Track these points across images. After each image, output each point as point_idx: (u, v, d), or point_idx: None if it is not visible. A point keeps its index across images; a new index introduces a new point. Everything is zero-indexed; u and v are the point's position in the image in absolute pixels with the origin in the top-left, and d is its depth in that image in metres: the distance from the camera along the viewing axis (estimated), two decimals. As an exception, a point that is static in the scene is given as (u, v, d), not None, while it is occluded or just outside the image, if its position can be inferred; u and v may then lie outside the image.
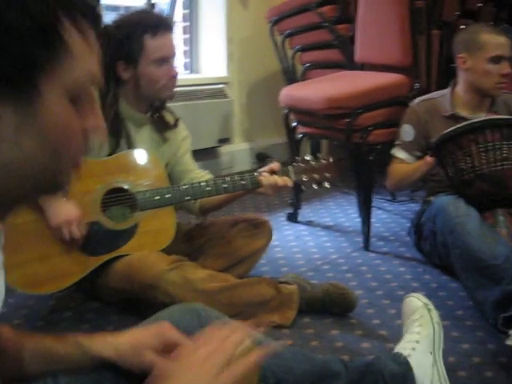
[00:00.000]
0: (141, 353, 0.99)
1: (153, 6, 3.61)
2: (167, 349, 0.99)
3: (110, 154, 2.11)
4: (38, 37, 0.65)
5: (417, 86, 2.96)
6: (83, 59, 0.70)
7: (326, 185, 2.14)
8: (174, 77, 2.13)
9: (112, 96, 2.09)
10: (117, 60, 2.06)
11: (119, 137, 2.13)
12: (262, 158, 4.33)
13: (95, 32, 0.73)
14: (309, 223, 3.26)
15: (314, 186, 2.14)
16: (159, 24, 2.07)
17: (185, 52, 4.33)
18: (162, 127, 2.25)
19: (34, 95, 0.66)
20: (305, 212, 3.38)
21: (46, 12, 0.65)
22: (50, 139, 0.69)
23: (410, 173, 2.54)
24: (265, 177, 2.07)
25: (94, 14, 0.72)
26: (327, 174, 2.13)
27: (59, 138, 0.69)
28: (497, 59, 2.43)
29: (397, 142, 2.67)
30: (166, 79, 2.10)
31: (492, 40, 2.45)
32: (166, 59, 2.09)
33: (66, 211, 1.92)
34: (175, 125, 2.28)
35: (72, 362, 0.98)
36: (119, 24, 2.08)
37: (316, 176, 2.12)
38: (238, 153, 4.34)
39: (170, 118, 2.28)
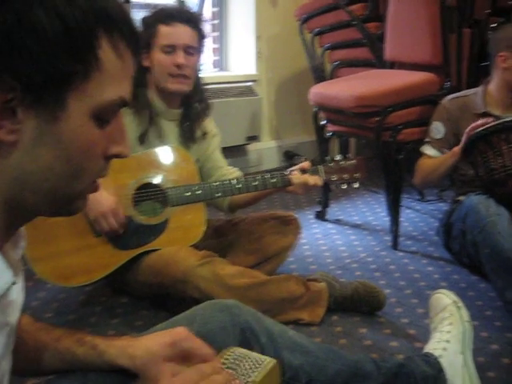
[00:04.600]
0: (154, 367, 0.94)
1: (182, 3, 3.63)
2: (185, 357, 0.95)
3: (139, 138, 2.15)
4: (70, 47, 0.62)
5: (447, 84, 2.94)
6: (115, 82, 0.68)
7: (355, 185, 2.14)
8: (178, 66, 2.10)
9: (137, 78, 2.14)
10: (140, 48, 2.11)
11: (148, 124, 2.16)
12: (290, 156, 4.34)
13: (133, 56, 0.70)
14: (337, 222, 3.26)
15: (343, 186, 2.14)
16: (175, 14, 2.11)
17: (214, 50, 4.35)
18: (187, 137, 2.26)
19: (59, 110, 0.64)
20: (333, 210, 3.38)
21: (82, 23, 0.62)
22: (70, 159, 0.66)
23: (437, 166, 2.53)
24: (295, 176, 2.08)
25: (134, 37, 0.69)
26: (356, 175, 2.13)
27: (79, 158, 0.67)
28: None
29: (426, 139, 2.65)
30: (171, 68, 2.11)
31: None
32: (174, 47, 2.10)
33: (102, 202, 1.95)
34: (202, 137, 2.30)
35: (88, 365, 0.96)
36: (145, 15, 2.15)
37: (345, 176, 2.13)
38: (266, 151, 4.35)
39: (198, 133, 2.29)
